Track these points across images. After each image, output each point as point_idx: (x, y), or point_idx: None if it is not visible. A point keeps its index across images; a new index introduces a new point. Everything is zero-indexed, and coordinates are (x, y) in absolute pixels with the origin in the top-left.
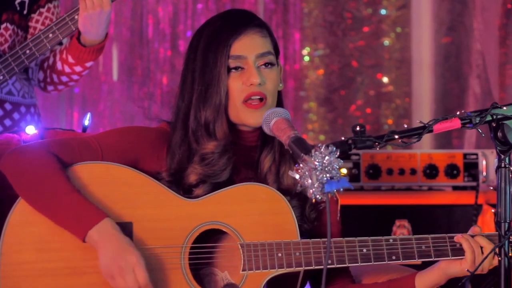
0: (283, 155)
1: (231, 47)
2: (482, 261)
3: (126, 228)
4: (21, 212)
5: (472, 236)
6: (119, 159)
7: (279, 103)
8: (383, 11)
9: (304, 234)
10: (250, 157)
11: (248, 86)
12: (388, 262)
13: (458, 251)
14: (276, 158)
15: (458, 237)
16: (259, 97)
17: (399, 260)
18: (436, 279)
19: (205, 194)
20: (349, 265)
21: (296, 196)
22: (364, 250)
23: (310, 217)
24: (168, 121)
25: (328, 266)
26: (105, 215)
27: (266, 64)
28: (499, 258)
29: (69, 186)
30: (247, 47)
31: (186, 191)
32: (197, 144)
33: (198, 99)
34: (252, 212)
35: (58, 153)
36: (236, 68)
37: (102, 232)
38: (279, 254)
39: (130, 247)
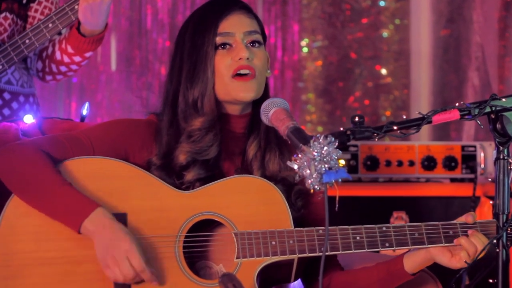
0: (269, 142)
1: (218, 26)
2: (480, 254)
3: (120, 219)
4: (16, 204)
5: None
6: (109, 152)
7: (266, 90)
8: (382, 3)
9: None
10: (238, 146)
11: (237, 61)
12: (382, 249)
13: (451, 238)
14: (261, 145)
15: (458, 240)
16: (248, 71)
17: (393, 247)
18: (424, 261)
19: (197, 178)
20: (343, 252)
21: (281, 181)
22: (358, 238)
23: (296, 205)
24: (156, 113)
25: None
26: (97, 205)
27: (253, 43)
28: (497, 250)
29: (60, 180)
30: (235, 24)
31: (178, 175)
32: (185, 123)
33: (186, 79)
34: (245, 203)
35: (49, 150)
36: (223, 46)
37: (96, 222)
38: (273, 242)
39: (123, 235)
